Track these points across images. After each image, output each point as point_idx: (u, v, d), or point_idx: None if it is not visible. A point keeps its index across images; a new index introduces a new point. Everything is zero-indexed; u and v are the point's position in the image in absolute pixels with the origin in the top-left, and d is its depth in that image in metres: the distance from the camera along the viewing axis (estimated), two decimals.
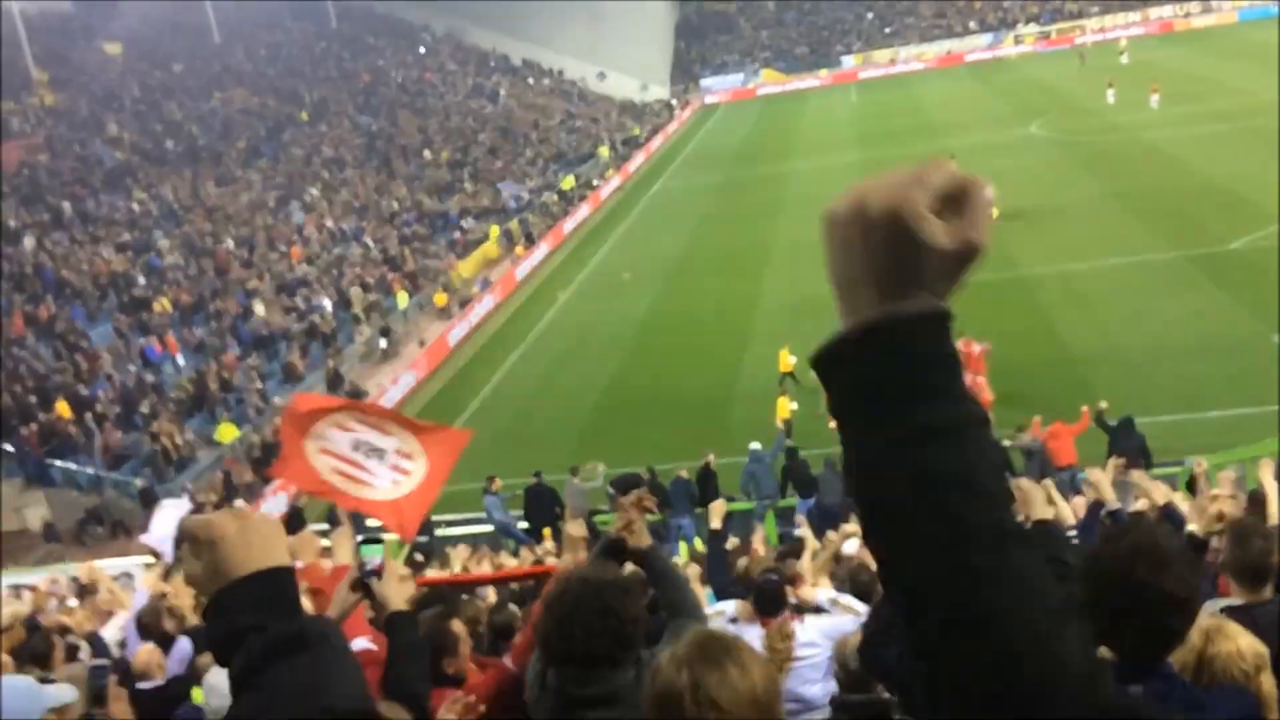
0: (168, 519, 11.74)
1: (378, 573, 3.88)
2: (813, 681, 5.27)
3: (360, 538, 4.70)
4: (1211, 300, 26.36)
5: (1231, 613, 4.17)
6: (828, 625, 5.48)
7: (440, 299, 38.60)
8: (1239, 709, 2.68)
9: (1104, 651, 2.57)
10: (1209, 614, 4.08)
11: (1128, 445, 16.23)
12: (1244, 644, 3.03)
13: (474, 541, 18.55)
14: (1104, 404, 18.43)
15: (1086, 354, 24.74)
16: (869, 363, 1.15)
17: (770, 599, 5.47)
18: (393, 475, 7.29)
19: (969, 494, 1.09)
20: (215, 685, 5.21)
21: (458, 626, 4.65)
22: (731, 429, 23.74)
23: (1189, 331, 24.63)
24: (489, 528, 19.75)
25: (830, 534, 11.02)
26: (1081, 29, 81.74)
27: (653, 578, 3.79)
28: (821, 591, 5.78)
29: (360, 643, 4.16)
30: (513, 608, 6.95)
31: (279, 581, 1.61)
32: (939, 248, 1.14)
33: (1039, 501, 4.94)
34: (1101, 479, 6.74)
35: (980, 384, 22.07)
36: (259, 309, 34.64)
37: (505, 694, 4.37)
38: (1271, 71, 55.03)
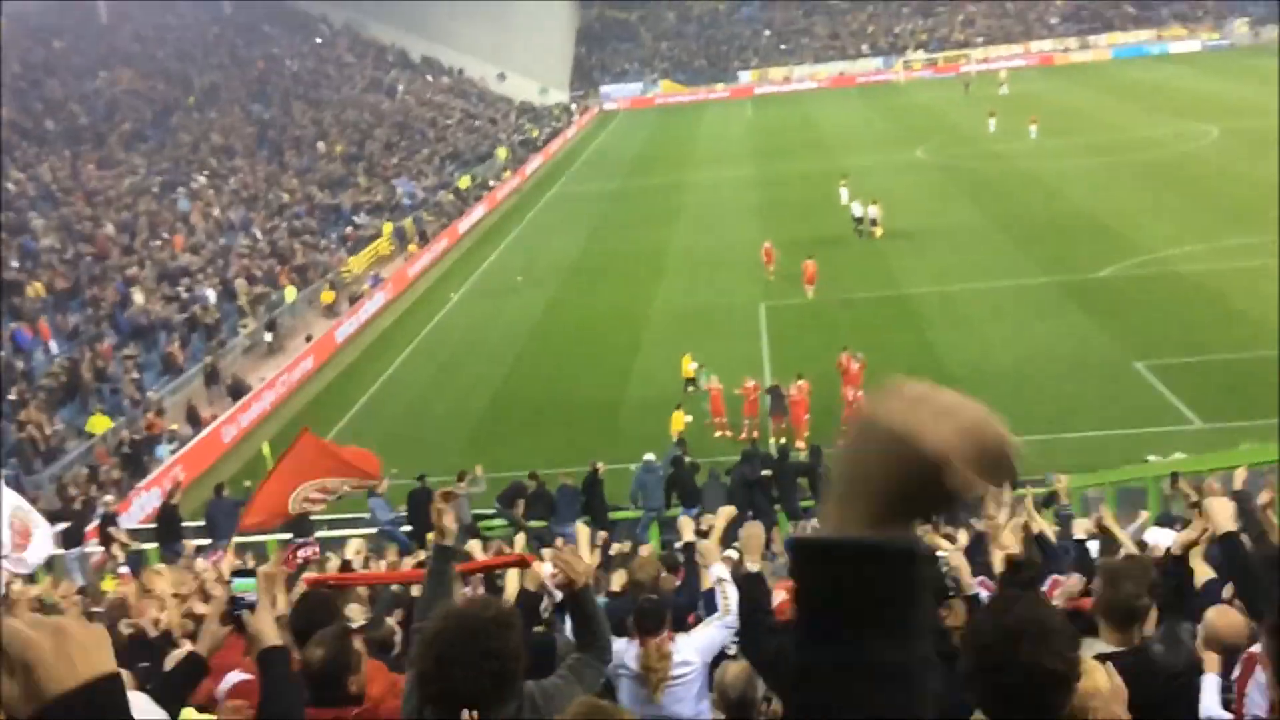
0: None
1: (250, 605, 3.78)
2: (685, 700, 5.29)
3: (230, 571, 4.72)
4: (1080, 325, 27.67)
5: (1104, 659, 4.43)
6: (701, 642, 5.49)
7: (327, 296, 37.75)
8: None
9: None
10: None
11: None
12: (1100, 680, 3.14)
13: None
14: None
15: (962, 372, 25.65)
16: (843, 576, 1.26)
17: (650, 618, 5.47)
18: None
19: None
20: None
21: (358, 643, 4.65)
22: (621, 436, 24.01)
23: (1058, 355, 25.81)
24: (372, 530, 19.54)
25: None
26: (967, 58, 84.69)
27: (579, 614, 3.75)
28: (716, 568, 5.82)
29: (235, 676, 4.07)
30: (389, 621, 6.90)
31: (103, 694, 1.49)
32: (962, 496, 1.24)
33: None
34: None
35: (858, 398, 22.82)
36: (138, 297, 33.61)
37: None
38: (1141, 109, 57.98)
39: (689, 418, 23.23)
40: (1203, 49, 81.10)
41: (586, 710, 2.10)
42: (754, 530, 4.94)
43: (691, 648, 5.43)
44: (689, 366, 25.45)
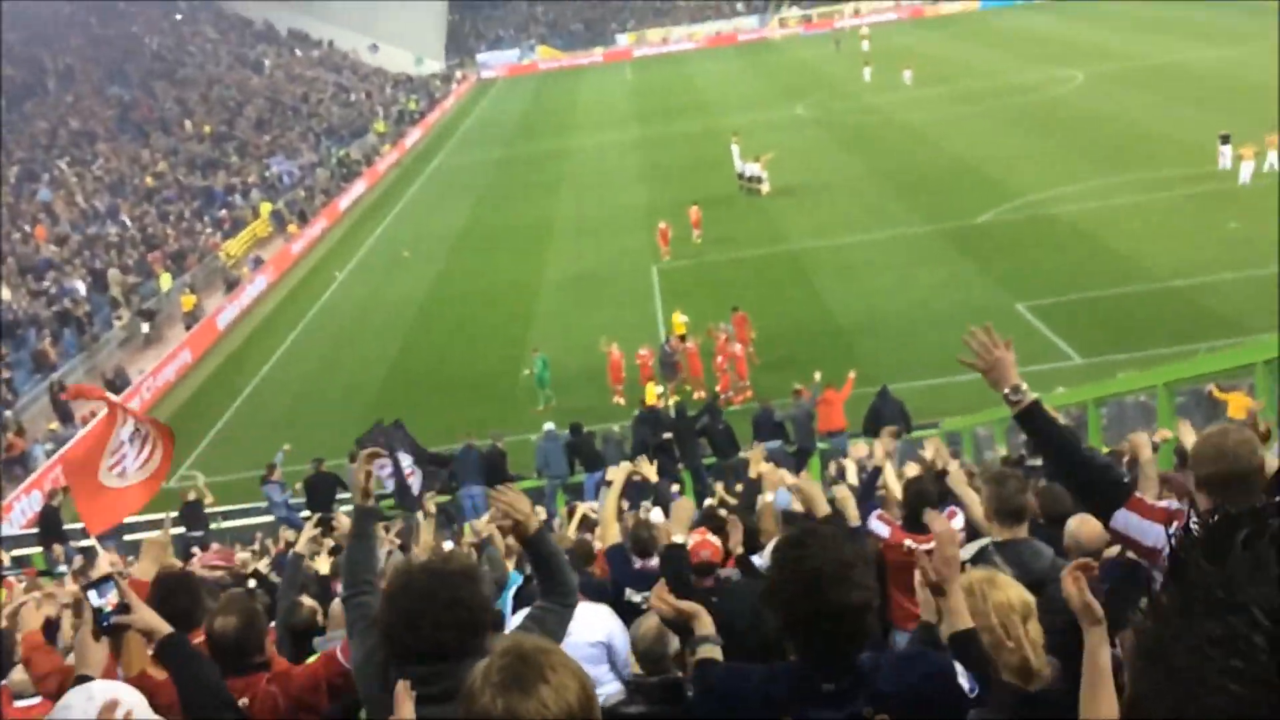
0: None
1: (124, 609, 3.62)
2: (588, 663, 5.27)
3: (84, 583, 4.49)
4: (962, 271, 28.34)
5: (997, 548, 4.61)
6: (593, 619, 5.29)
7: (187, 303, 34.29)
8: (930, 669, 2.85)
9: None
10: (982, 562, 4.49)
11: (887, 411, 17.28)
12: (1013, 594, 3.33)
13: (256, 532, 18.00)
14: (853, 375, 19.33)
15: (851, 323, 26.15)
16: None
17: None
18: (140, 462, 7.34)
19: None
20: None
21: (260, 613, 4.52)
22: (520, 405, 23.84)
23: (942, 301, 26.39)
24: (269, 518, 19.07)
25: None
26: (840, 13, 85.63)
27: (536, 558, 3.65)
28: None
29: (103, 688, 3.76)
30: (309, 601, 6.68)
31: None
32: None
33: (819, 499, 5.31)
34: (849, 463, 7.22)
35: (742, 355, 23.07)
36: (4, 293, 32.04)
37: (335, 687, 4.23)
38: (1010, 56, 59.49)
39: (660, 388, 22.36)
40: None
41: (513, 656, 2.04)
42: (684, 504, 5.05)
43: (595, 617, 5.34)
44: (679, 320, 24.66)
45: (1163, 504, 3.62)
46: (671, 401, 21.28)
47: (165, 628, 3.66)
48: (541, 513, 14.30)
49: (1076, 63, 53.99)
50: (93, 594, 3.63)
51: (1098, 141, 38.53)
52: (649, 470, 8.43)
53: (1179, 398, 12.51)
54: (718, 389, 22.13)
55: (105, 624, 3.61)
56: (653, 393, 21.27)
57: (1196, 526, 1.14)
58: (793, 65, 69.02)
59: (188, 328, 32.79)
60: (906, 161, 40.10)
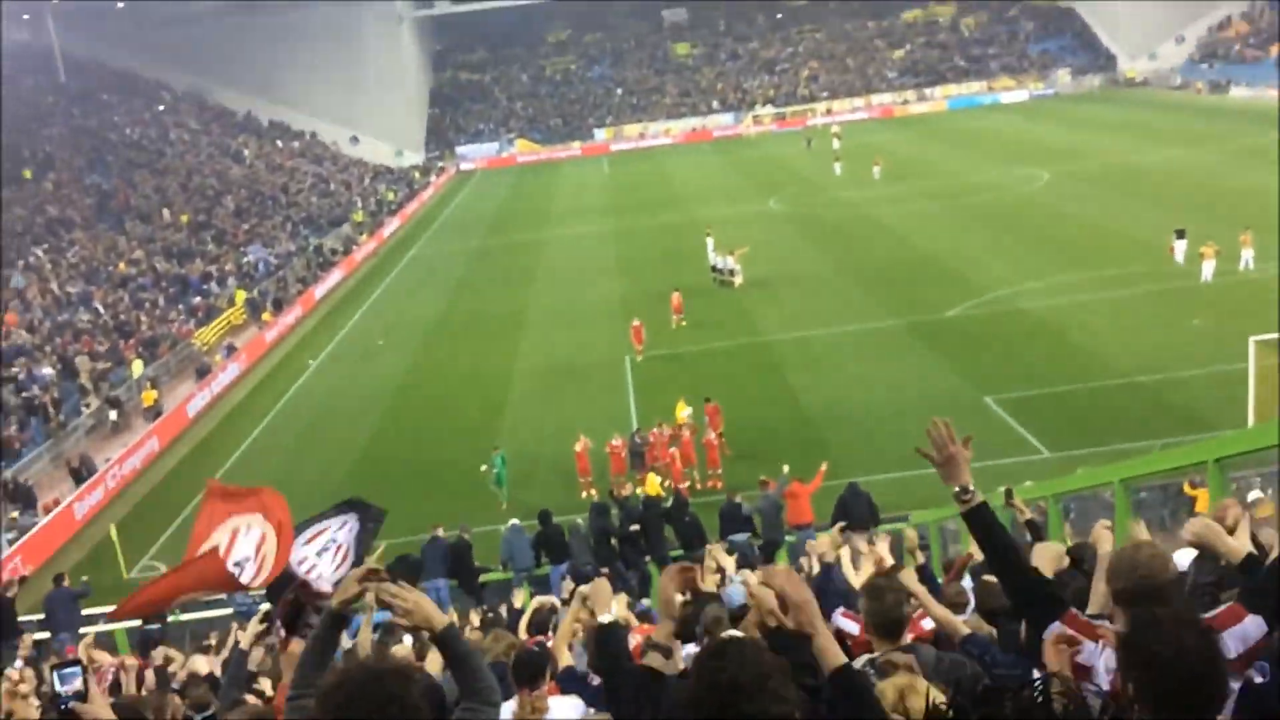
0: None
1: (82, 695, 3.60)
2: None
3: (51, 663, 4.47)
4: (929, 364, 28.64)
5: (872, 664, 4.53)
6: (582, 712, 5.43)
7: (148, 398, 33.59)
8: None
9: None
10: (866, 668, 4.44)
11: (857, 507, 17.28)
12: (935, 697, 3.33)
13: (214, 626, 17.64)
14: (825, 468, 19.45)
15: (820, 414, 26.28)
16: None
17: (529, 668, 5.45)
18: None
19: None
20: None
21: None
22: (490, 496, 23.67)
23: (911, 394, 26.59)
24: (228, 610, 18.68)
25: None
26: (813, 111, 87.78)
27: (449, 658, 3.59)
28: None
29: None
30: (252, 700, 6.52)
31: None
32: None
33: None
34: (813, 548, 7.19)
35: (714, 443, 23.14)
36: None
37: None
38: (977, 155, 60.96)
39: (660, 478, 22.18)
40: (1030, 98, 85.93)
41: None
42: (601, 585, 4.93)
43: (570, 710, 5.33)
44: (682, 414, 24.65)
45: (1098, 621, 3.67)
46: (639, 492, 21.21)
47: (109, 716, 3.64)
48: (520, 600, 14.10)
49: (1042, 162, 55.38)
50: (57, 676, 3.63)
51: (1063, 238, 39.35)
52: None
53: (1142, 494, 12.62)
54: (673, 483, 22.13)
55: (63, 706, 3.61)
56: (654, 483, 21.23)
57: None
58: (766, 161, 70.39)
59: (149, 421, 32.43)
60: (876, 256, 40.74)
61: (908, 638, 4.74)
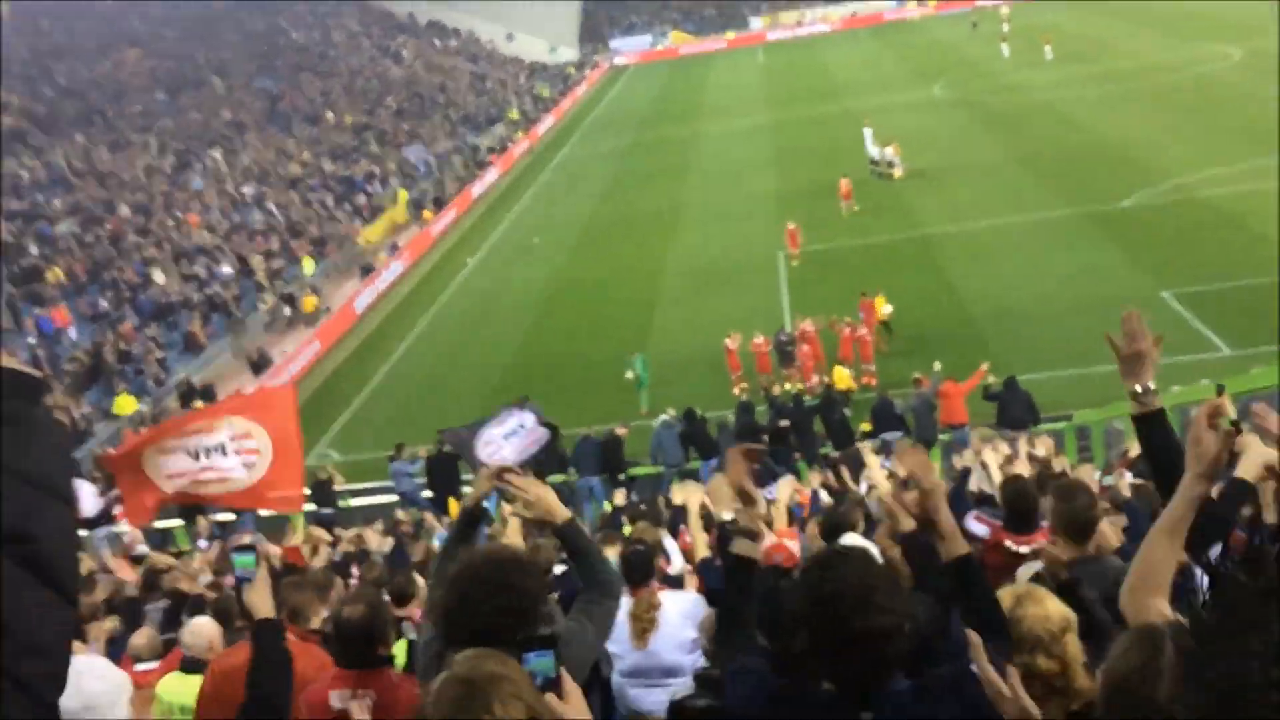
0: None
1: (249, 579, 3.85)
2: (674, 649, 5.38)
3: (232, 547, 4.72)
4: (1105, 257, 27.19)
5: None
6: (689, 607, 5.52)
7: (308, 304, 34.75)
8: (966, 704, 2.72)
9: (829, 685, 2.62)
10: (1027, 577, 4.27)
11: (1014, 404, 16.71)
12: (1051, 608, 3.16)
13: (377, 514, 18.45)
14: (990, 377, 18.65)
15: (984, 310, 25.38)
16: None
17: (638, 568, 5.52)
18: (242, 460, 7.32)
19: None
20: None
21: (386, 606, 4.60)
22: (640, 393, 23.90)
23: (1082, 288, 25.37)
24: (395, 498, 19.59)
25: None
26: None
27: (570, 552, 3.72)
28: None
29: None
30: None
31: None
32: None
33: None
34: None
35: (868, 340, 22.65)
36: (157, 277, 33.73)
37: None
38: (1162, 32, 56.74)
39: (849, 370, 22.14)
40: None
41: (467, 672, 2.14)
42: (716, 483, 4.99)
43: (679, 612, 5.47)
44: (883, 309, 24.06)
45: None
46: (788, 388, 21.06)
47: (267, 611, 3.83)
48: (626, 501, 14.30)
49: (1232, 39, 51.11)
50: (236, 558, 3.97)
51: (1253, 122, 36.35)
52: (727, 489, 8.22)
53: None
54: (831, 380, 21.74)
55: (238, 584, 3.95)
56: (844, 375, 21.14)
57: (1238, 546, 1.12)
58: (929, 45, 67.28)
59: (309, 326, 33.67)
60: (1047, 143, 38.68)
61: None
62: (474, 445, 10.07)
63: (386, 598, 5.81)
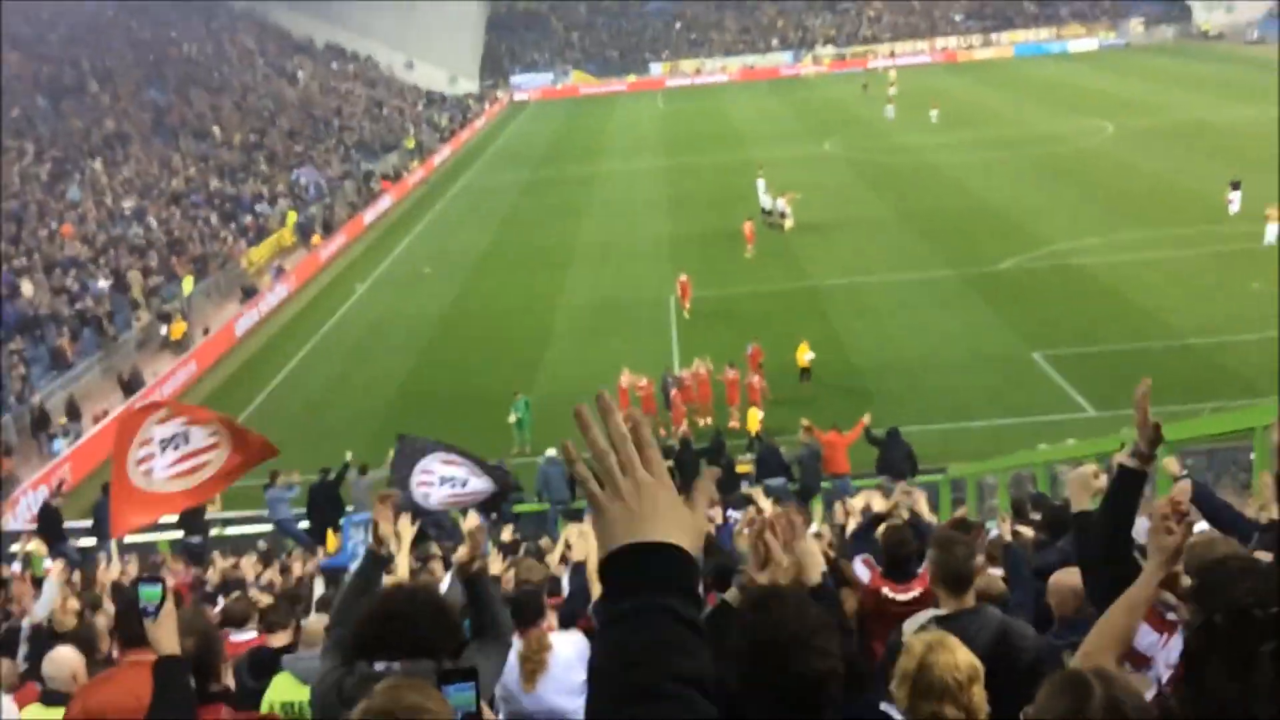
0: None
1: (152, 613, 3.70)
2: (563, 693, 5.29)
3: (137, 577, 4.56)
4: (981, 317, 28.20)
5: (941, 622, 4.46)
6: (582, 649, 5.46)
7: (177, 330, 33.07)
8: None
9: None
10: (929, 626, 4.36)
11: (894, 455, 17.12)
12: (961, 657, 3.24)
13: (248, 542, 17.94)
14: (867, 419, 19.08)
15: (868, 363, 26.00)
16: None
17: (528, 608, 5.47)
18: (206, 432, 7.41)
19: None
20: None
21: (216, 636, 4.49)
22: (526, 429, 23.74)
23: (960, 346, 26.26)
24: (268, 527, 19.01)
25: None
26: (874, 53, 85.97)
27: (475, 604, 3.76)
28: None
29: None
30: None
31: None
32: None
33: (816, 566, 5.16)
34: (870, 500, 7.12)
35: (755, 385, 22.96)
36: (26, 289, 32.30)
37: None
38: (1041, 105, 59.47)
39: (761, 414, 22.17)
40: (1100, 47, 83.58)
41: (385, 700, 2.15)
42: (584, 528, 5.01)
43: (575, 652, 5.36)
44: (805, 356, 24.42)
45: (1170, 615, 3.55)
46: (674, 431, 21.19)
47: (172, 648, 3.69)
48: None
49: (1108, 114, 53.91)
50: (142, 589, 3.78)
51: (1126, 194, 38.36)
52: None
53: (1187, 460, 12.33)
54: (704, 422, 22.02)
55: (145, 617, 3.76)
56: (755, 418, 21.33)
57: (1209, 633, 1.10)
58: (824, 103, 69.18)
59: (175, 353, 32.18)
60: (931, 204, 40.02)
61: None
62: (415, 464, 9.52)
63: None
